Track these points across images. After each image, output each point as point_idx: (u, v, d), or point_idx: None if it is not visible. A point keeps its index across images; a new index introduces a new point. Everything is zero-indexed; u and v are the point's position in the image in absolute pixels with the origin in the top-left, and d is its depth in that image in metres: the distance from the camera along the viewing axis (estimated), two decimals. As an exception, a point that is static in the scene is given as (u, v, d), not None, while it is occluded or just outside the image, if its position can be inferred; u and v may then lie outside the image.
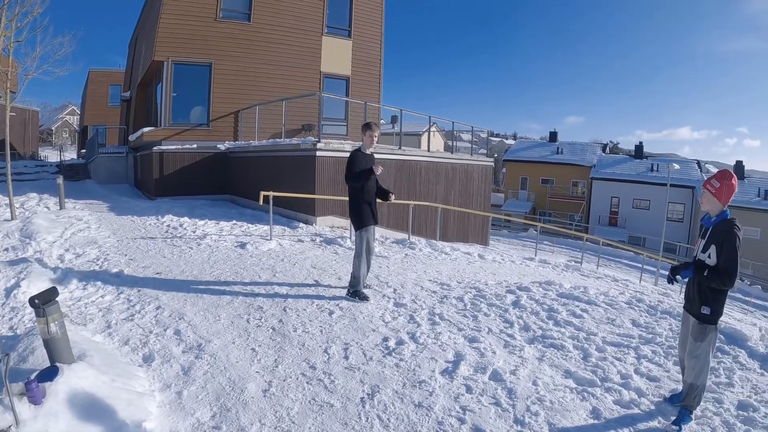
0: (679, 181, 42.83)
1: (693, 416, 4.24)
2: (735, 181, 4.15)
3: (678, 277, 4.29)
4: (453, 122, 21.07)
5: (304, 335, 5.56)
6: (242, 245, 10.29)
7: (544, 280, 9.18)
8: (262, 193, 11.27)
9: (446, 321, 6.34)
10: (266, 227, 12.11)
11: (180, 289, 7.06)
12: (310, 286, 7.65)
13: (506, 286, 8.49)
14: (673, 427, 4.11)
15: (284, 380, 4.50)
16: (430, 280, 8.60)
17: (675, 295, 11.64)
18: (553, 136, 60.92)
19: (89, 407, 3.56)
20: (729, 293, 4.27)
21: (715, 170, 51.55)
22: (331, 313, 6.36)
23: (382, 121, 24.14)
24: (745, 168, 46.99)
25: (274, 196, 11.73)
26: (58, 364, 3.84)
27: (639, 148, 54.82)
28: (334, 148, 13.74)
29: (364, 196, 6.90)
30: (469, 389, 4.51)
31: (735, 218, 4.08)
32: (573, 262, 18.72)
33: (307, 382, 4.48)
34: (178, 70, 18.58)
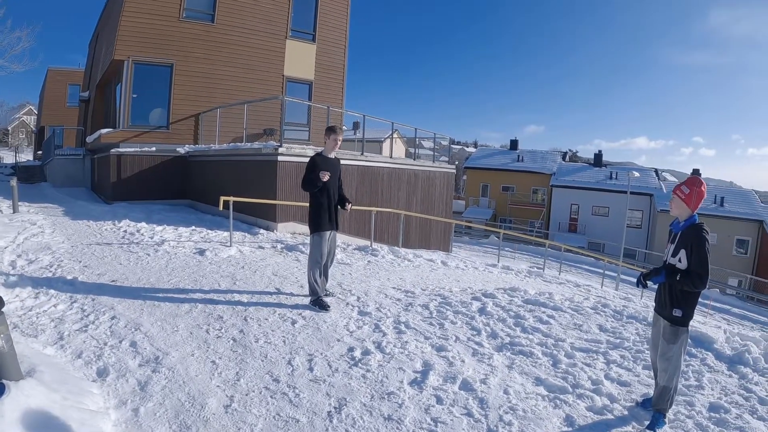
0: (637, 188, 43.79)
1: (666, 420, 4.22)
2: (704, 188, 4.24)
3: (649, 282, 4.26)
4: (416, 129, 20.98)
5: (267, 346, 5.30)
6: (201, 252, 9.95)
7: (509, 287, 9.16)
8: (222, 198, 10.90)
9: (412, 329, 6.19)
10: (226, 233, 11.77)
11: (136, 298, 6.68)
12: (271, 294, 7.38)
13: (471, 293, 8.42)
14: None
15: (247, 395, 4.23)
16: (394, 288, 8.45)
17: (637, 300, 11.75)
18: (513, 144, 61.72)
19: (38, 428, 3.26)
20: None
21: (672, 179, 53.12)
22: (293, 322, 6.12)
23: (344, 127, 23.98)
24: (702, 176, 48.10)
25: (235, 202, 11.41)
26: (4, 382, 3.53)
27: (598, 156, 56.00)
28: (296, 153, 13.49)
29: (324, 200, 6.69)
30: (439, 400, 4.35)
31: (703, 222, 4.13)
32: (535, 268, 18.87)
33: (271, 396, 4.22)
34: (138, 70, 17.94)
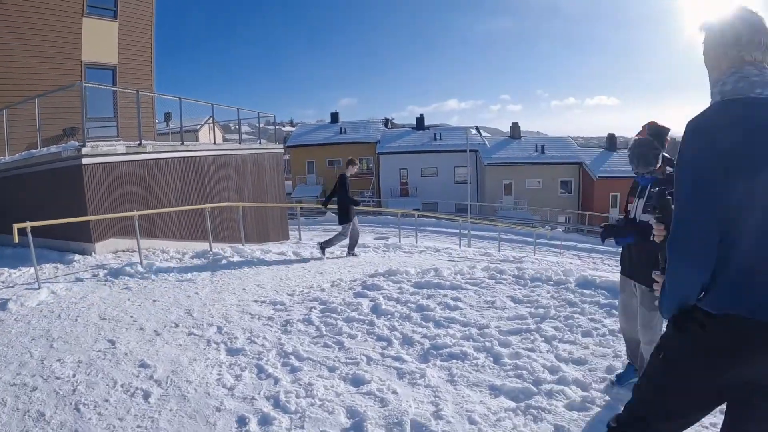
0: (462, 146, 44.81)
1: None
2: (667, 135, 4.09)
3: (617, 241, 3.91)
4: (238, 109, 18.99)
5: (112, 452, 3.38)
6: (2, 305, 6.94)
7: (384, 270, 8.22)
8: (16, 226, 8.20)
9: (307, 360, 4.68)
10: (32, 270, 8.73)
11: None
12: (104, 352, 5.16)
13: (349, 288, 7.29)
14: None
15: None
16: (256, 301, 6.84)
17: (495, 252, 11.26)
18: (334, 117, 61.06)
19: None
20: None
21: (487, 134, 55.86)
22: (146, 395, 4.13)
23: (156, 121, 21.17)
24: (521, 129, 52.80)
25: (36, 227, 8.48)
26: None
27: (420, 120, 57.58)
28: (105, 152, 11.12)
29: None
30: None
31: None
32: (389, 240, 18.25)
33: None
34: None
